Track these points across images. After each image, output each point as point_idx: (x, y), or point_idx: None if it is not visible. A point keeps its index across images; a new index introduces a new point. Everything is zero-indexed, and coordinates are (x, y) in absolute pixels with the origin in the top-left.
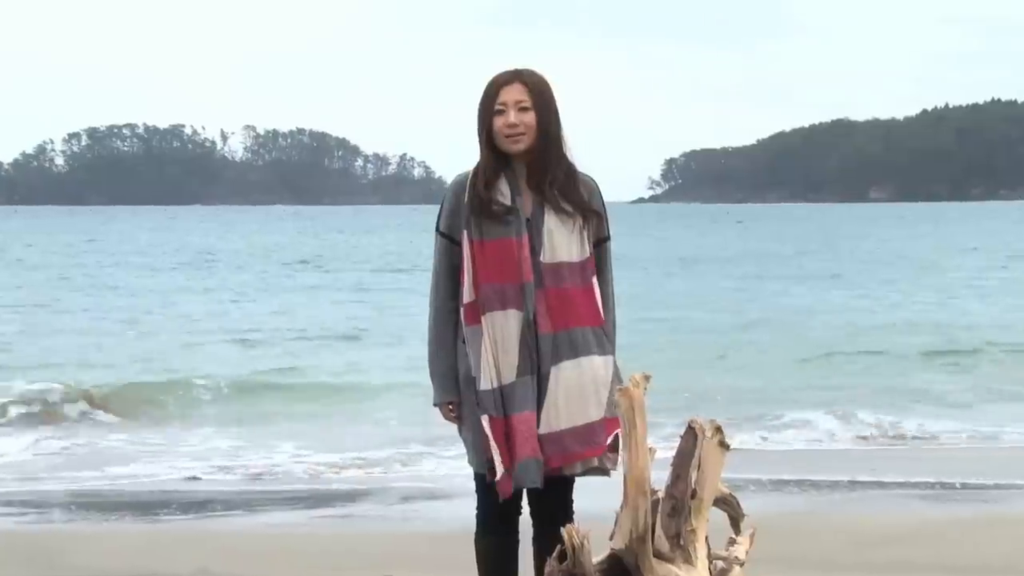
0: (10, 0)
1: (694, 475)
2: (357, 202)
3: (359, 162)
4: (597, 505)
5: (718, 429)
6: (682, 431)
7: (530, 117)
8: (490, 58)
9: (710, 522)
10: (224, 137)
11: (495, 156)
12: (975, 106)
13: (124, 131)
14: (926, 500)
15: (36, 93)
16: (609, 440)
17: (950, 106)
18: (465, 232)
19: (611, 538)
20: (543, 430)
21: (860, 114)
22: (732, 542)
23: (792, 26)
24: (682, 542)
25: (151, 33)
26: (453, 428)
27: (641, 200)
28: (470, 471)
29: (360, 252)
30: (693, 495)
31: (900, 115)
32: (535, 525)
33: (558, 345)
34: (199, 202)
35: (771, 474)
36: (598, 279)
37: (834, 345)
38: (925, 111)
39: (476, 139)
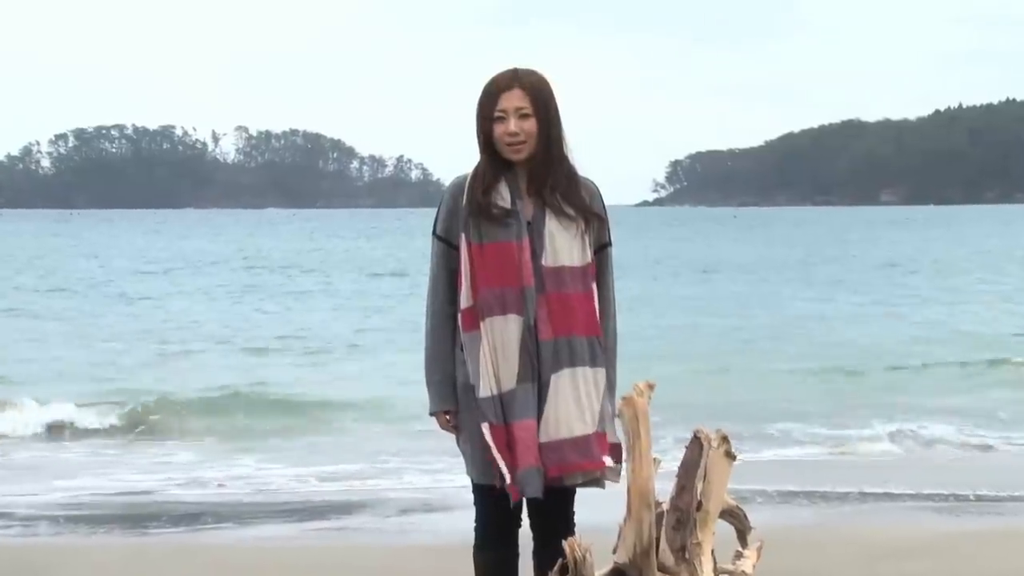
0: None
1: (700, 486)
2: (352, 205)
3: (354, 164)
4: (600, 517)
5: (724, 439)
6: (687, 441)
7: (531, 124)
8: (490, 57)
9: (716, 535)
10: (215, 138)
11: (494, 161)
12: (989, 106)
13: (112, 132)
14: (939, 512)
15: (21, 93)
16: (609, 461)
17: (963, 106)
18: (463, 235)
19: (614, 551)
20: (543, 439)
21: (871, 114)
22: (739, 555)
23: (801, 24)
24: (687, 555)
25: (140, 31)
26: (450, 438)
27: (645, 203)
28: (468, 483)
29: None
30: (699, 507)
31: (912, 115)
32: (535, 538)
33: (558, 352)
34: (190, 205)
35: (779, 485)
36: (599, 287)
37: (843, 353)
38: (938, 111)
39: (475, 140)
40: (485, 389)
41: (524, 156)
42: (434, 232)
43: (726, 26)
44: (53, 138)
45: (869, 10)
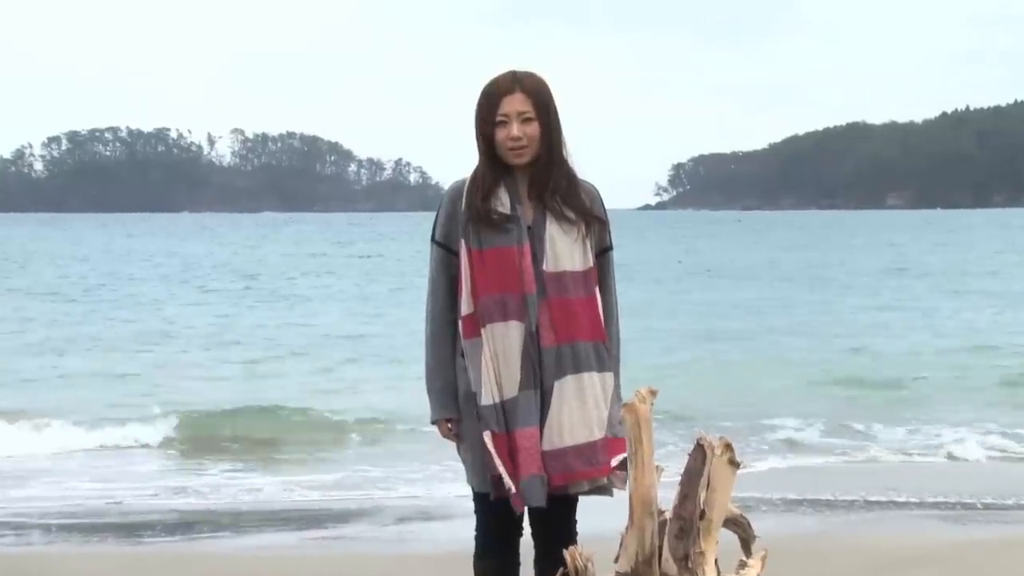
0: None
1: (703, 495)
2: (350, 209)
3: (352, 167)
4: (602, 526)
5: (728, 446)
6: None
7: (533, 128)
8: (489, 58)
9: (720, 544)
10: (211, 141)
11: (494, 166)
12: (997, 108)
13: (106, 135)
14: (945, 521)
15: (14, 95)
16: (614, 462)
17: (971, 108)
18: (463, 241)
19: (616, 560)
20: (546, 447)
21: (877, 117)
22: (743, 565)
23: (806, 24)
24: (690, 565)
25: (135, 32)
26: (449, 446)
27: (647, 207)
28: (468, 491)
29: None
30: (702, 516)
31: (919, 118)
32: (537, 547)
33: (561, 358)
34: (185, 209)
35: (783, 493)
36: (600, 291)
37: (848, 358)
38: (945, 113)
39: (474, 143)
40: (487, 397)
41: (526, 160)
42: (433, 238)
43: (729, 26)
44: (46, 140)
45: (874, 10)
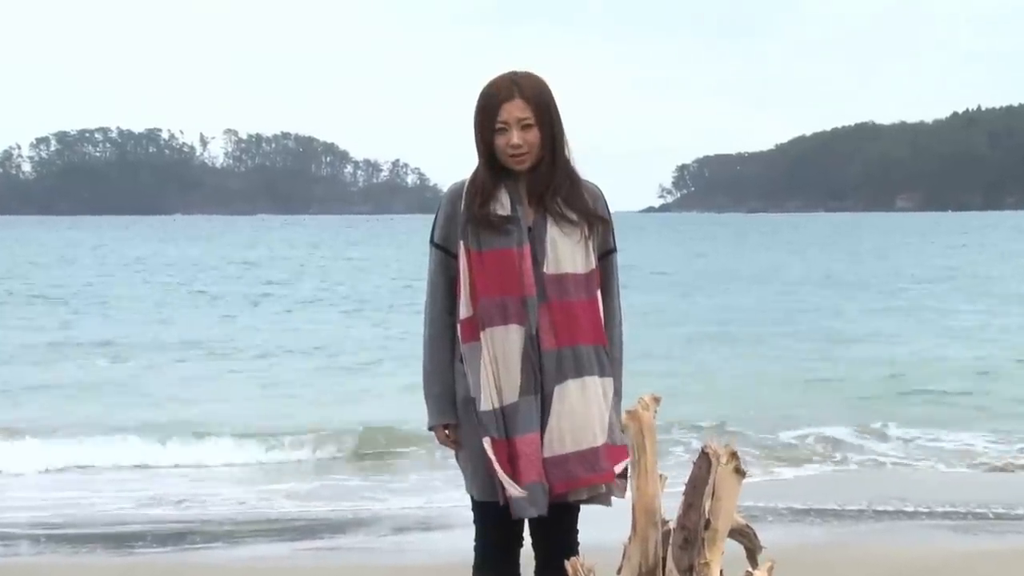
0: None
1: (708, 504)
2: (346, 211)
3: (348, 168)
4: (604, 536)
5: (733, 455)
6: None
7: (534, 135)
8: (489, 57)
9: (725, 555)
10: (204, 142)
11: (494, 170)
12: (1009, 108)
13: (96, 135)
14: (955, 531)
15: (1, 95)
16: (618, 469)
17: (982, 108)
18: (462, 243)
19: (619, 571)
20: (547, 453)
21: (886, 117)
22: None
23: (813, 22)
24: None
25: (125, 30)
26: (448, 453)
27: (651, 209)
28: (467, 499)
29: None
30: (707, 525)
31: (929, 118)
32: (537, 557)
33: (562, 363)
34: (177, 211)
35: (790, 503)
36: (603, 294)
37: (856, 365)
38: (956, 113)
39: (473, 145)
40: (486, 402)
41: (527, 166)
42: (432, 240)
43: (734, 24)
44: (34, 142)
45: (884, 7)
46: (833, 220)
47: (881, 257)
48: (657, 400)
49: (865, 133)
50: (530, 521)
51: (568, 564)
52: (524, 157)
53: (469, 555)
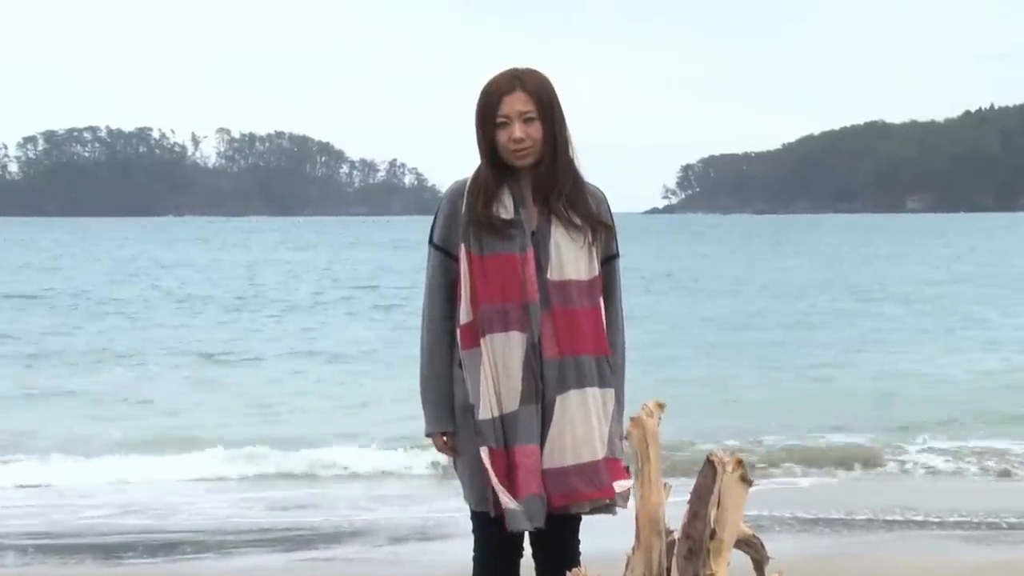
0: None
1: (713, 513)
2: (342, 212)
3: (344, 169)
4: (606, 546)
5: (739, 462)
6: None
7: (536, 129)
8: (489, 54)
9: (731, 565)
10: (195, 141)
11: (496, 169)
12: (1023, 107)
13: (85, 135)
14: (968, 541)
15: None
16: (618, 488)
17: (995, 107)
18: (463, 245)
19: None
20: (546, 464)
21: (896, 116)
22: None
23: (822, 18)
24: None
25: (114, 26)
26: (447, 460)
27: (655, 211)
28: (466, 509)
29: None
30: (712, 535)
31: (940, 117)
32: (538, 568)
33: (564, 372)
34: (169, 212)
35: (799, 512)
36: (605, 300)
37: (867, 372)
38: (968, 112)
39: (474, 143)
40: (485, 411)
41: (529, 162)
42: (431, 241)
43: (740, 20)
44: (21, 141)
45: (894, 3)
46: (843, 222)
47: (898, 261)
48: (661, 407)
49: (875, 132)
50: (530, 532)
51: (570, 575)
52: (527, 152)
53: (468, 566)
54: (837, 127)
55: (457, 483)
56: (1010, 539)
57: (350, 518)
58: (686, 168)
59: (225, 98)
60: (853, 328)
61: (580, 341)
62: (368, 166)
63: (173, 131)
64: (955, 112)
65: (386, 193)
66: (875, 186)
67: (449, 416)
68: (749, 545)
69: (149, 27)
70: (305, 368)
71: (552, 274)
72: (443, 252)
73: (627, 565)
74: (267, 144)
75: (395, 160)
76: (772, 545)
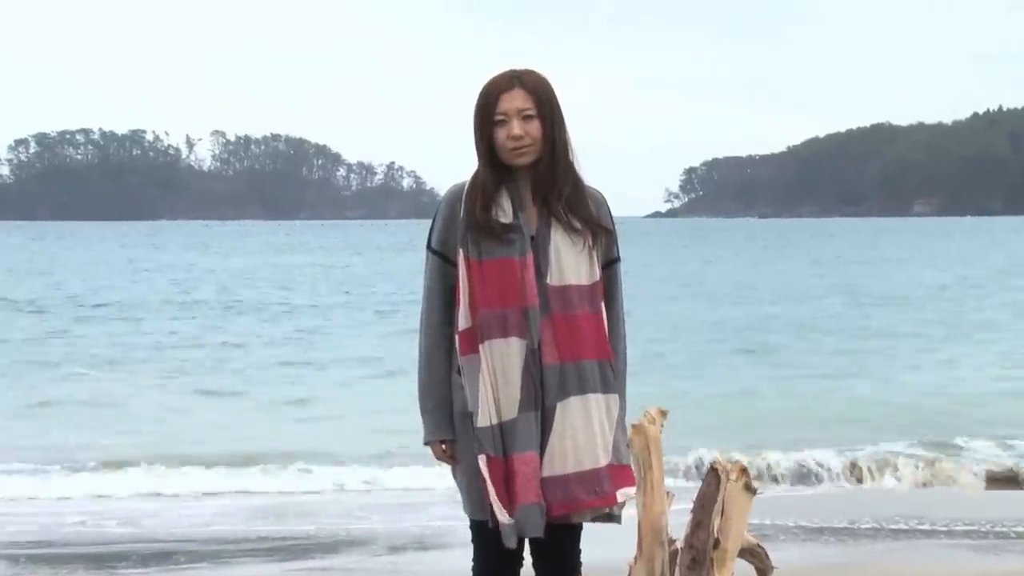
0: None
1: (717, 522)
2: (339, 216)
3: (341, 172)
4: (608, 555)
5: (743, 471)
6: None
7: (535, 127)
8: (489, 55)
9: (735, 575)
10: (190, 144)
11: (495, 170)
12: None
13: (78, 137)
14: (977, 551)
15: None
16: (620, 498)
17: (1004, 109)
18: (461, 251)
19: None
20: (546, 473)
21: (903, 118)
22: None
23: (827, 19)
24: None
25: (108, 27)
26: (445, 468)
27: (657, 214)
28: (465, 518)
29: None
30: (716, 545)
31: (948, 118)
32: None
33: (565, 378)
34: (163, 216)
35: (804, 520)
36: (607, 305)
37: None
38: (976, 114)
39: (473, 147)
40: (484, 418)
41: (528, 161)
42: (429, 245)
43: (744, 21)
44: (13, 144)
45: (900, 3)
46: (850, 225)
47: (907, 265)
48: (664, 414)
49: (881, 134)
50: (530, 541)
51: None
52: (525, 150)
53: None
54: (843, 129)
55: (456, 491)
56: (1019, 548)
57: (347, 527)
58: (689, 171)
59: (220, 100)
60: (861, 335)
61: (581, 347)
62: (366, 169)
63: (167, 133)
64: (963, 114)
65: (384, 196)
66: (881, 189)
67: (448, 424)
68: (753, 555)
69: (143, 27)
70: (302, 375)
71: (552, 279)
72: (441, 257)
73: (629, 575)
74: (263, 147)
75: (393, 163)
76: (776, 555)
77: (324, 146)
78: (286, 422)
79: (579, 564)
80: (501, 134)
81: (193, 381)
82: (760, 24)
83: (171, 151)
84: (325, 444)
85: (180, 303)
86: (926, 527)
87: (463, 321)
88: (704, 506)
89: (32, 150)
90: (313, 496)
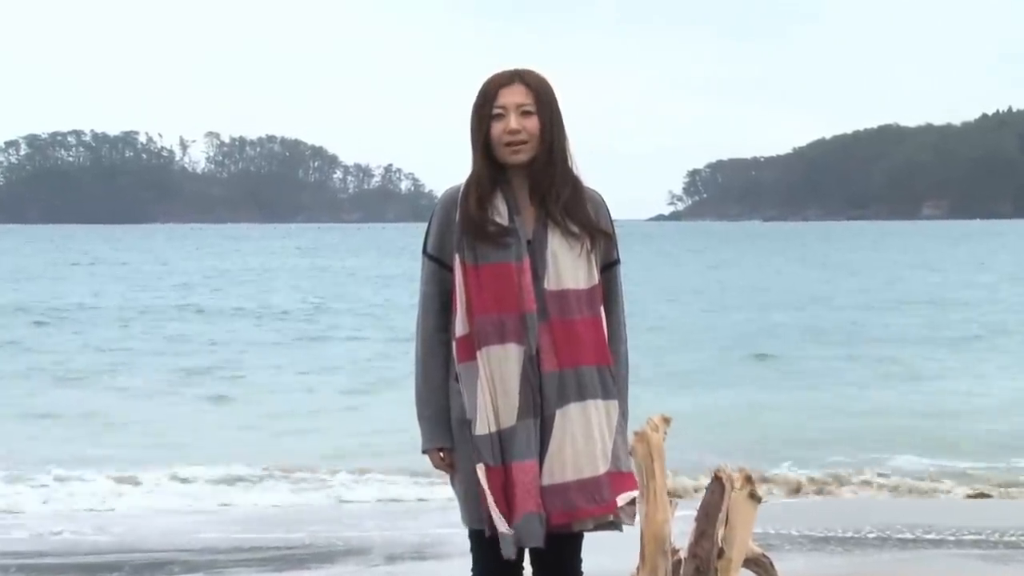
0: None
1: (721, 531)
2: (336, 219)
3: (338, 174)
4: (610, 566)
5: (748, 479)
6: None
7: (533, 123)
8: (489, 55)
9: None
10: (184, 146)
11: (491, 167)
12: None
13: (69, 139)
14: (987, 560)
15: None
16: (621, 501)
17: (1014, 110)
18: (457, 255)
19: None
20: (546, 481)
21: (911, 119)
22: None
23: (834, 18)
24: None
25: (100, 27)
26: (444, 476)
27: (660, 217)
28: (464, 527)
29: None
30: (720, 554)
31: (957, 120)
32: None
33: (564, 385)
34: (156, 219)
35: (809, 529)
36: (606, 309)
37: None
38: (986, 115)
39: (470, 148)
40: (482, 426)
41: (524, 158)
42: (424, 250)
43: (750, 20)
44: (3, 146)
45: (907, 2)
46: (857, 229)
47: (918, 270)
48: (667, 421)
49: (889, 136)
50: (530, 551)
51: None
52: (521, 147)
53: None
54: (849, 130)
55: (454, 499)
56: None
57: (344, 536)
58: (693, 173)
59: (214, 101)
60: (873, 341)
61: (580, 352)
62: (363, 171)
63: (160, 135)
64: (972, 115)
65: (381, 199)
66: (889, 192)
67: (446, 432)
68: (758, 564)
69: (135, 26)
70: (295, 382)
71: (549, 284)
72: (437, 262)
73: None
74: (258, 149)
75: (391, 165)
76: (781, 564)
77: (320, 148)
78: (279, 430)
79: (580, 574)
80: (498, 128)
81: (185, 388)
82: (765, 24)
83: (164, 153)
84: (321, 451)
85: (179, 307)
86: (933, 536)
87: (460, 328)
88: (708, 515)
89: (22, 152)
90: (308, 504)
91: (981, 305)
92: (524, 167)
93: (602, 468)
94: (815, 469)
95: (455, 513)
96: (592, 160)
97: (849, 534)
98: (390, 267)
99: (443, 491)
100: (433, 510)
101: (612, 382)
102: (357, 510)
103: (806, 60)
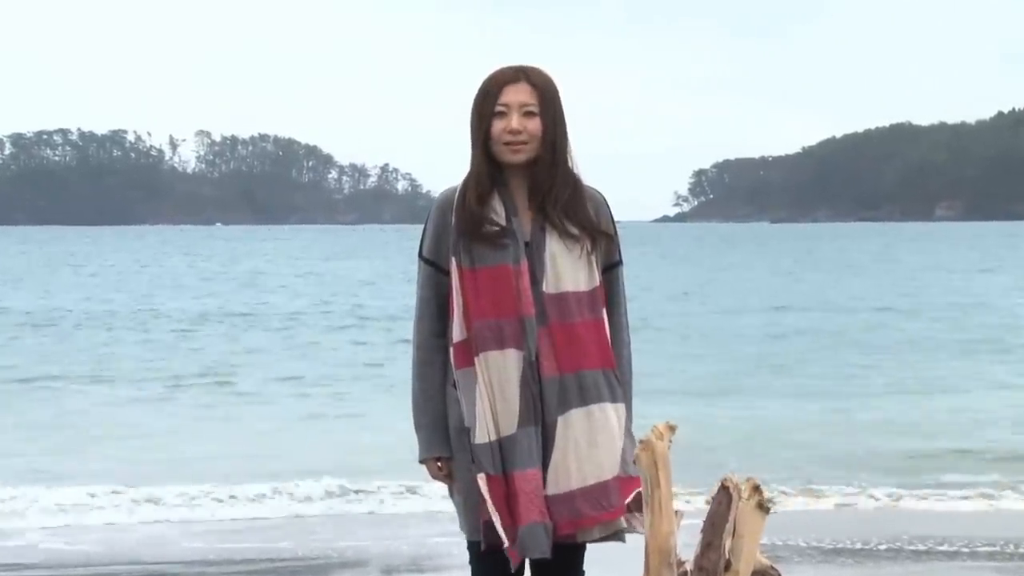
0: None
1: (728, 542)
2: (330, 220)
3: (333, 174)
4: None
5: (756, 488)
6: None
7: (535, 124)
8: (489, 54)
9: None
10: (174, 145)
11: (490, 166)
12: None
13: (55, 138)
14: (1000, 573)
15: None
16: (629, 500)
17: None
18: (453, 259)
19: None
20: (550, 490)
21: (924, 117)
22: None
23: (845, 14)
24: None
25: (88, 22)
26: (441, 487)
27: (665, 219)
28: (463, 538)
29: None
30: (727, 567)
31: (972, 118)
32: None
33: (566, 390)
34: (145, 221)
35: (819, 541)
36: (608, 311)
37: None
38: (1001, 113)
39: (469, 147)
40: (482, 434)
41: (523, 159)
42: (420, 254)
43: (757, 16)
44: None
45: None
46: (869, 230)
47: (937, 274)
48: (672, 429)
49: (901, 134)
50: (532, 563)
51: None
52: (522, 147)
53: None
54: (860, 129)
55: (452, 509)
56: None
57: (338, 547)
58: (699, 173)
59: (205, 98)
60: (885, 348)
61: (582, 356)
62: (358, 171)
63: (150, 134)
64: (987, 113)
65: (377, 200)
66: (902, 192)
67: (443, 440)
68: None
69: (124, 22)
70: (295, 391)
71: (548, 287)
72: (433, 266)
73: None
74: (250, 148)
75: (387, 165)
76: None
77: (315, 147)
78: (271, 437)
79: None
80: (499, 126)
81: (174, 395)
82: (774, 20)
83: (154, 152)
84: (315, 460)
85: (166, 311)
86: (946, 548)
87: (458, 333)
88: (715, 526)
89: (7, 151)
90: (301, 515)
91: (1000, 310)
92: (523, 168)
93: (608, 473)
94: (823, 479)
95: (453, 524)
96: (596, 160)
97: (859, 545)
98: (386, 269)
99: (441, 501)
100: (431, 520)
101: (617, 385)
102: (352, 520)
103: (815, 58)
